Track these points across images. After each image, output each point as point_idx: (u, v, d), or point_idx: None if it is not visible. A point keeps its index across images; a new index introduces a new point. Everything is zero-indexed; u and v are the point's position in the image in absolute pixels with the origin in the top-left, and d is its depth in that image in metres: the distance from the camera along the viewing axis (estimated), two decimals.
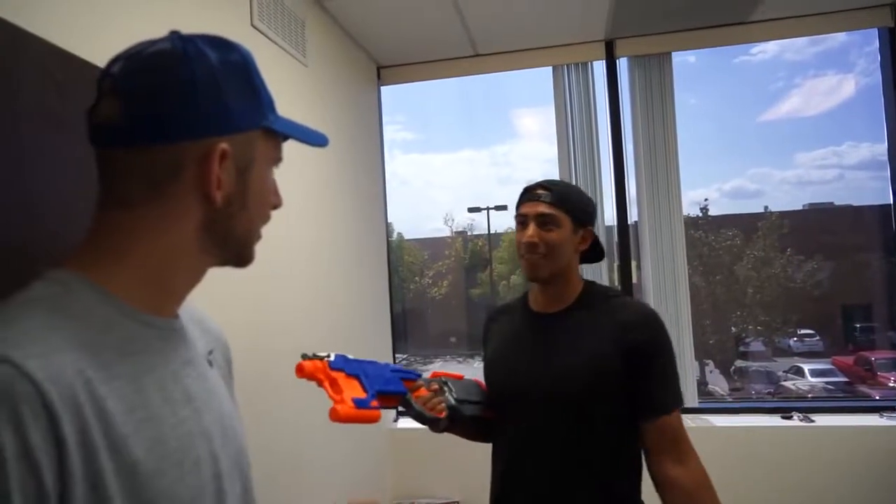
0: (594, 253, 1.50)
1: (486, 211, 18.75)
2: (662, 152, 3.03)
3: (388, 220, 3.41)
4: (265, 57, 1.98)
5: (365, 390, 1.13)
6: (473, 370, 1.50)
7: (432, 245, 19.62)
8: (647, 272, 3.04)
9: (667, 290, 2.99)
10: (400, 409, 1.31)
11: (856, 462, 2.63)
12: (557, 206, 1.39)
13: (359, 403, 1.08)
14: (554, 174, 3.05)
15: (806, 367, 12.67)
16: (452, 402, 1.34)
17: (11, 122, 0.95)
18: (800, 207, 17.52)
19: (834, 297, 14.34)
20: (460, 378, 1.45)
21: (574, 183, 2.99)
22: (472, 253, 19.36)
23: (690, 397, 2.88)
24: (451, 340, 17.84)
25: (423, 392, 1.33)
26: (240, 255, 0.76)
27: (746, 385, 13.70)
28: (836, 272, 14.32)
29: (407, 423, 3.13)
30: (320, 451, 2.25)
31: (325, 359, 1.12)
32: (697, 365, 9.47)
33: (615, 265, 3.06)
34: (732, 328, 14.62)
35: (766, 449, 2.72)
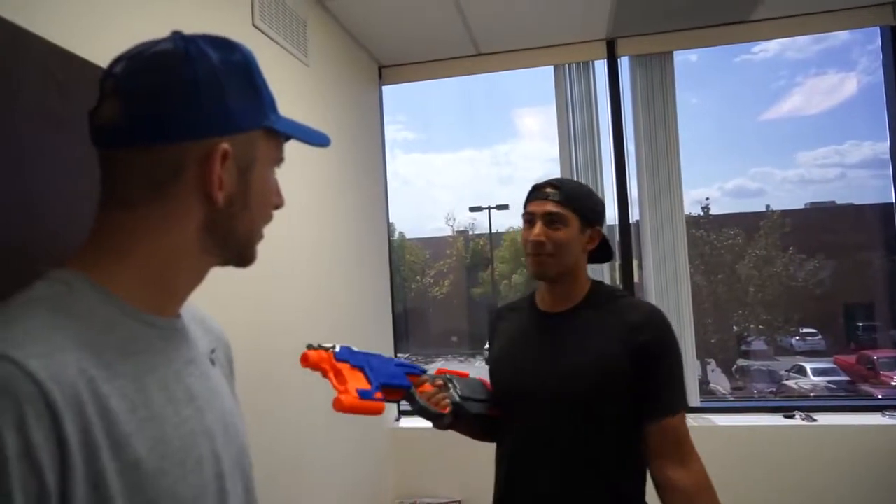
0: (603, 253, 1.49)
1: (487, 210, 18.78)
2: (664, 151, 3.03)
3: (390, 220, 3.41)
4: (267, 57, 1.98)
5: (369, 382, 1.12)
6: (475, 370, 1.50)
7: (434, 244, 19.64)
8: (648, 271, 3.04)
9: (668, 290, 2.99)
10: (403, 403, 1.31)
11: (858, 461, 2.62)
12: (565, 204, 1.37)
13: (363, 394, 1.08)
14: (555, 173, 3.05)
15: (808, 366, 12.66)
16: (457, 398, 1.33)
17: (12, 122, 0.95)
18: (801, 206, 17.52)
19: (836, 295, 14.33)
20: (465, 376, 1.44)
21: None
22: (473, 252, 19.38)
23: (692, 396, 2.88)
24: (452, 340, 17.86)
25: (428, 387, 1.32)
26: (242, 255, 0.76)
27: (748, 384, 13.69)
28: (838, 271, 14.31)
29: (409, 422, 3.13)
30: (322, 450, 2.25)
31: (331, 350, 1.12)
32: (699, 364, 9.46)
33: (617, 264, 3.06)
34: (734, 327, 14.62)
35: (767, 448, 2.72)
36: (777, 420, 2.82)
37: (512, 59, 3.18)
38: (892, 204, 3.00)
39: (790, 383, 12.32)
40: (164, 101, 0.66)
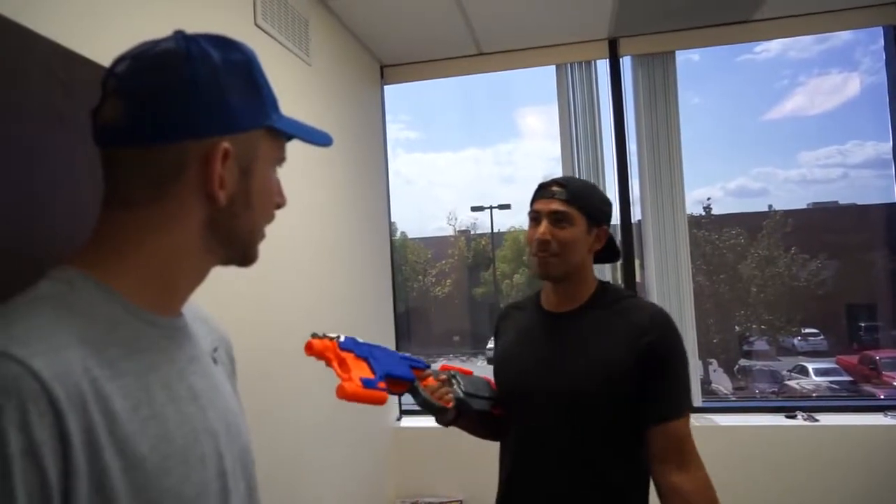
0: (609, 253, 1.47)
1: (489, 210, 18.81)
2: (666, 151, 3.02)
3: (392, 220, 3.40)
4: (268, 56, 1.98)
5: (373, 372, 1.12)
6: (477, 369, 1.49)
7: (435, 244, 19.65)
8: (650, 271, 3.04)
9: (670, 289, 2.98)
10: (406, 402, 1.30)
11: (860, 461, 2.62)
12: (572, 203, 1.35)
13: (366, 383, 1.07)
14: (557, 173, 3.05)
15: (810, 366, 12.66)
16: (460, 394, 1.32)
17: (16, 121, 0.95)
18: (804, 206, 17.52)
19: (838, 296, 14.32)
20: (469, 373, 1.43)
21: None
22: (475, 252, 19.39)
23: (694, 396, 2.88)
24: (454, 339, 17.88)
25: (432, 381, 1.31)
26: (244, 255, 0.76)
27: (750, 384, 13.69)
28: (841, 271, 14.30)
29: (410, 421, 3.13)
30: (323, 449, 2.25)
31: (335, 339, 1.11)
32: (701, 364, 9.45)
33: (618, 264, 3.06)
34: (736, 327, 14.62)
35: (769, 448, 2.72)
36: (779, 420, 2.82)
37: (514, 58, 3.18)
38: (894, 204, 3.00)
39: (792, 383, 12.32)
40: (165, 101, 0.66)
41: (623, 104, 3.12)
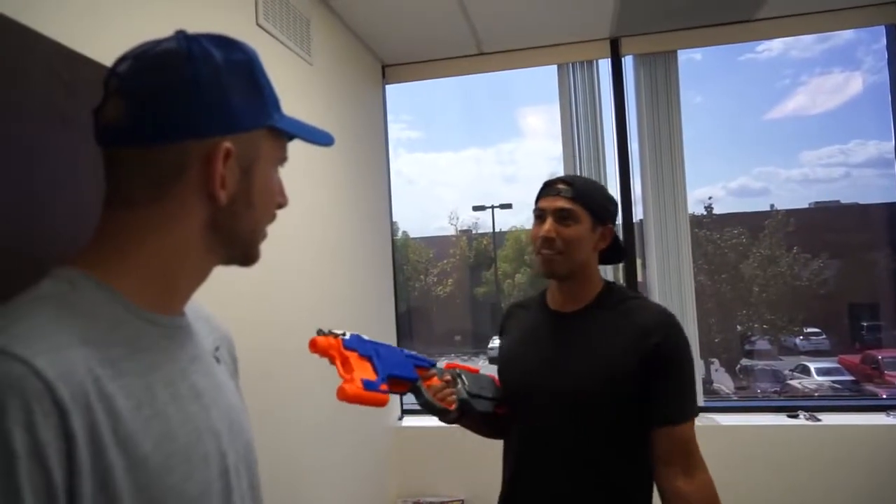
0: (615, 253, 1.46)
1: (490, 209, 18.80)
2: (667, 150, 3.02)
3: (393, 219, 3.41)
4: (270, 56, 1.98)
5: (376, 372, 1.11)
6: (479, 368, 1.49)
7: (437, 243, 19.65)
8: (652, 270, 3.03)
9: (672, 289, 2.98)
10: (407, 401, 1.29)
11: (862, 461, 2.62)
12: (576, 201, 1.35)
13: (368, 385, 1.06)
14: (559, 173, 3.04)
15: (812, 366, 12.64)
16: (464, 395, 1.32)
17: (18, 120, 0.95)
18: (806, 206, 17.49)
19: (840, 295, 14.30)
20: (476, 372, 1.42)
21: None
22: (476, 251, 19.38)
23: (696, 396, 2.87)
24: (455, 339, 17.87)
25: (436, 381, 1.30)
26: (245, 254, 0.77)
27: (752, 384, 13.67)
28: (843, 270, 14.28)
29: (412, 421, 3.13)
30: (324, 448, 2.26)
31: (341, 336, 1.11)
32: (703, 363, 9.45)
33: (620, 263, 3.05)
34: (738, 327, 14.60)
35: (771, 448, 2.72)
36: (781, 420, 2.82)
37: (515, 58, 3.18)
38: None
39: (794, 383, 12.29)
40: (166, 101, 0.66)
41: (625, 104, 3.11)
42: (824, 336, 14.67)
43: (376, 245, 3.04)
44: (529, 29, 2.93)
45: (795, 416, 2.82)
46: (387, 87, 3.32)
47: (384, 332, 3.10)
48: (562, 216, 1.35)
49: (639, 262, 3.11)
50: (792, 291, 14.20)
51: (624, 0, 2.64)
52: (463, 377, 1.36)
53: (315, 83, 2.36)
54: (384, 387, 1.11)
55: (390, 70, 3.29)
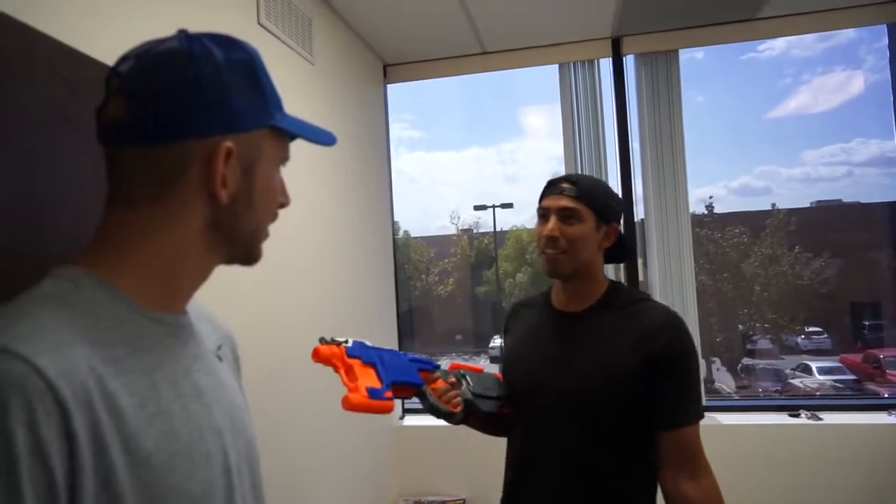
0: (620, 251, 1.45)
1: (492, 209, 18.81)
2: (669, 150, 3.02)
3: (395, 218, 3.40)
4: (272, 55, 1.98)
5: (380, 380, 1.11)
6: (482, 368, 1.48)
7: (438, 243, 19.67)
8: (653, 270, 3.03)
9: (673, 288, 2.98)
10: (409, 400, 1.29)
11: (864, 460, 2.61)
12: (580, 199, 1.34)
13: (372, 393, 1.07)
14: (560, 172, 3.03)
15: (814, 365, 12.64)
16: (469, 395, 1.32)
17: (20, 120, 0.95)
18: (807, 205, 17.49)
19: (842, 294, 14.30)
20: (479, 371, 1.42)
21: None
22: (477, 251, 19.40)
23: None
24: (456, 338, 17.88)
25: (440, 384, 1.30)
26: (247, 254, 0.77)
27: (753, 383, 13.68)
28: (845, 269, 14.28)
29: (413, 420, 3.14)
30: (325, 447, 2.26)
31: (343, 345, 1.11)
32: (704, 363, 9.43)
33: (621, 263, 3.05)
34: (739, 326, 14.61)
35: (773, 447, 2.71)
36: (782, 419, 2.81)
37: (517, 57, 3.18)
38: None
39: (796, 382, 12.30)
40: (167, 100, 0.66)
41: (626, 103, 3.11)
42: (826, 335, 14.68)
43: (377, 244, 3.04)
44: (530, 28, 2.93)
45: (797, 416, 2.81)
46: (388, 86, 3.32)
47: (385, 332, 3.10)
48: (566, 215, 1.34)
49: (640, 261, 3.10)
50: (793, 290, 14.20)
51: None
52: (467, 377, 1.35)
53: (316, 83, 2.36)
54: (389, 394, 1.11)
55: (392, 69, 3.28)
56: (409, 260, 18.32)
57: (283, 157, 0.77)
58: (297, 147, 0.79)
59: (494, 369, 1.50)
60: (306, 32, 2.25)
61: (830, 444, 2.67)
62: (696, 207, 15.03)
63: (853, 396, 7.94)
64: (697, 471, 1.27)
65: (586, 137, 3.10)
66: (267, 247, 0.78)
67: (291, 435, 1.98)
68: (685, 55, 3.06)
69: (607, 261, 1.45)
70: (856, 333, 14.49)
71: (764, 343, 14.74)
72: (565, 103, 3.13)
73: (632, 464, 1.31)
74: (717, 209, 15.58)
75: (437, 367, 1.34)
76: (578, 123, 3.11)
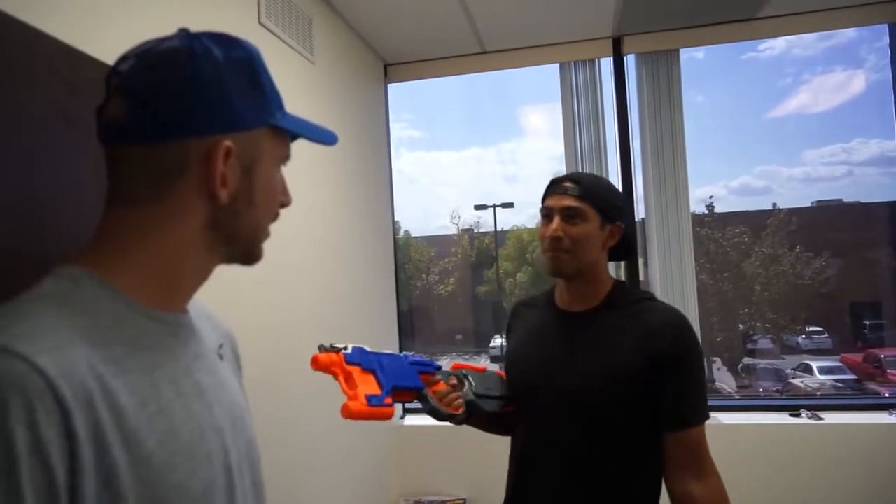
0: (624, 250, 1.43)
1: (492, 208, 18.80)
2: (669, 149, 3.02)
3: (395, 218, 3.40)
4: (272, 54, 1.98)
5: (380, 386, 1.11)
6: (485, 367, 1.47)
7: (439, 242, 19.67)
8: (654, 269, 3.03)
9: (674, 288, 2.98)
10: (415, 403, 1.28)
11: (864, 460, 2.61)
12: (584, 199, 1.32)
13: (371, 401, 1.06)
14: (561, 172, 3.03)
15: (814, 365, 12.64)
16: (471, 397, 1.31)
17: (20, 119, 0.95)
18: (808, 204, 17.49)
19: (843, 294, 14.30)
20: (483, 370, 1.41)
21: None
22: (478, 250, 19.40)
23: None
24: (456, 338, 17.88)
25: (441, 386, 1.29)
26: (247, 253, 0.76)
27: (754, 382, 13.69)
28: (845, 269, 14.28)
29: (413, 420, 3.13)
30: (325, 447, 2.26)
31: (342, 351, 1.10)
32: (705, 362, 9.43)
33: (622, 263, 3.05)
34: (740, 325, 14.61)
35: (773, 447, 2.71)
36: (783, 419, 2.81)
37: (517, 56, 3.17)
38: None
39: (796, 382, 12.31)
40: (166, 99, 0.66)
41: (627, 102, 3.10)
42: (826, 335, 14.68)
43: (378, 244, 3.04)
44: (531, 28, 2.93)
45: (798, 415, 2.81)
46: (389, 85, 3.32)
47: (386, 332, 3.10)
48: (569, 215, 1.32)
49: (640, 261, 3.10)
50: (794, 290, 14.20)
51: None
52: (469, 378, 1.35)
53: (317, 82, 2.36)
54: (388, 400, 1.10)
55: (392, 69, 3.28)
56: (409, 259, 18.32)
57: (284, 157, 0.77)
58: (298, 147, 0.79)
59: (495, 369, 1.50)
60: (307, 32, 2.25)
61: (831, 443, 2.67)
62: (697, 207, 15.04)
63: (854, 396, 7.95)
64: (704, 471, 1.26)
65: (587, 137, 3.10)
66: (267, 247, 0.78)
67: (291, 435, 1.98)
68: (686, 55, 3.06)
69: (611, 258, 1.44)
70: (856, 333, 14.49)
71: (764, 343, 14.74)
72: (566, 103, 3.13)
73: (633, 464, 1.30)
74: (718, 209, 15.58)
75: (439, 368, 1.33)
76: (579, 123, 3.11)
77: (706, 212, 15.26)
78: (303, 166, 2.12)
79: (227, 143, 0.68)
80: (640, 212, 3.09)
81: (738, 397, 11.35)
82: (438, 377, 1.31)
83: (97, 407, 0.57)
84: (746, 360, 14.33)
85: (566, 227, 1.32)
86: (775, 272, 14.19)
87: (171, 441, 0.64)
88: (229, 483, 0.72)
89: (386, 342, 3.08)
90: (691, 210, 3.07)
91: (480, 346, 16.94)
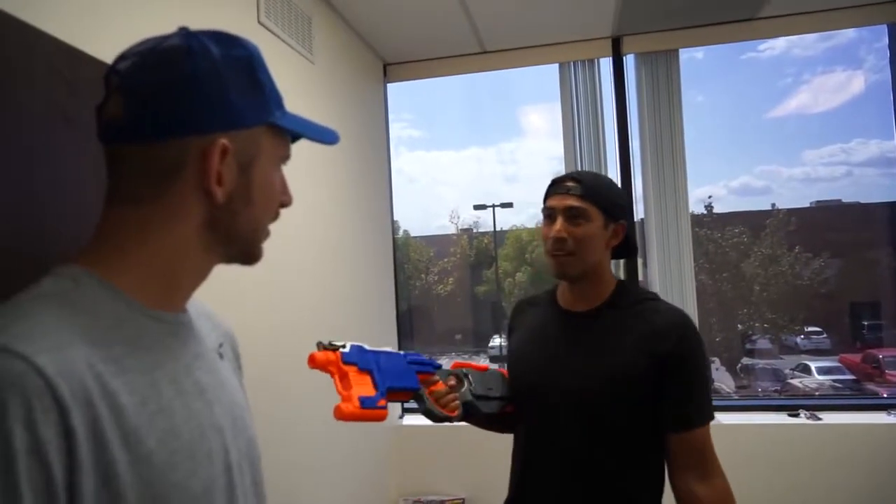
0: (626, 249, 1.42)
1: (491, 208, 18.79)
2: (669, 149, 3.02)
3: (394, 218, 3.40)
4: (271, 54, 1.97)
5: (376, 387, 1.10)
6: (487, 366, 1.46)
7: (438, 242, 19.66)
8: (653, 269, 3.03)
9: (673, 288, 2.98)
10: (412, 402, 1.27)
11: (863, 460, 2.62)
12: (587, 198, 1.30)
13: (364, 403, 1.05)
14: (560, 172, 3.03)
15: (813, 365, 12.64)
16: (469, 398, 1.30)
17: (20, 119, 0.95)
18: (807, 205, 17.50)
19: (841, 294, 14.30)
20: (485, 369, 1.40)
21: None
22: (477, 250, 19.39)
23: None
24: (456, 337, 17.87)
25: (440, 386, 1.27)
26: (246, 253, 0.76)
27: (753, 382, 13.68)
28: (844, 270, 14.28)
29: (412, 419, 3.13)
30: (324, 447, 2.26)
31: (340, 349, 1.09)
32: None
33: (622, 262, 3.05)
34: (739, 326, 14.61)
35: (772, 447, 2.71)
36: (782, 419, 2.82)
37: (517, 56, 3.17)
38: None
39: (795, 382, 12.30)
40: (164, 97, 0.66)
41: (626, 102, 3.11)
42: (825, 335, 14.68)
43: (377, 244, 3.04)
44: (531, 28, 2.93)
45: (796, 415, 2.81)
46: (388, 85, 3.31)
47: (385, 331, 3.10)
48: (572, 215, 1.31)
49: (640, 261, 3.10)
50: (793, 290, 14.20)
51: None
52: (469, 377, 1.33)
53: (316, 81, 2.36)
54: (382, 402, 1.09)
55: (392, 68, 3.28)
56: (408, 259, 18.31)
57: (284, 156, 0.77)
58: (297, 146, 0.79)
59: (497, 367, 1.49)
60: (306, 31, 2.24)
61: (830, 443, 2.67)
62: (696, 207, 15.04)
63: (852, 396, 7.96)
64: (708, 472, 1.26)
65: (586, 137, 3.10)
66: (267, 247, 0.78)
67: (291, 435, 1.98)
68: (685, 55, 3.07)
69: (613, 257, 1.43)
70: (855, 333, 14.49)
71: (763, 343, 14.74)
72: (565, 103, 3.13)
73: (634, 464, 1.30)
74: (717, 209, 15.59)
75: (438, 367, 1.31)
76: (578, 123, 3.11)
77: (705, 212, 15.27)
78: (302, 166, 2.12)
79: (223, 141, 0.67)
80: (639, 212, 3.09)
81: (736, 397, 11.35)
82: (437, 377, 1.29)
83: (96, 405, 0.57)
84: (745, 361, 14.32)
85: (569, 227, 1.31)
86: (774, 272, 14.19)
87: (171, 440, 0.64)
88: (229, 482, 0.72)
89: (385, 342, 3.07)
90: (691, 210, 3.07)
91: (479, 345, 16.93)
